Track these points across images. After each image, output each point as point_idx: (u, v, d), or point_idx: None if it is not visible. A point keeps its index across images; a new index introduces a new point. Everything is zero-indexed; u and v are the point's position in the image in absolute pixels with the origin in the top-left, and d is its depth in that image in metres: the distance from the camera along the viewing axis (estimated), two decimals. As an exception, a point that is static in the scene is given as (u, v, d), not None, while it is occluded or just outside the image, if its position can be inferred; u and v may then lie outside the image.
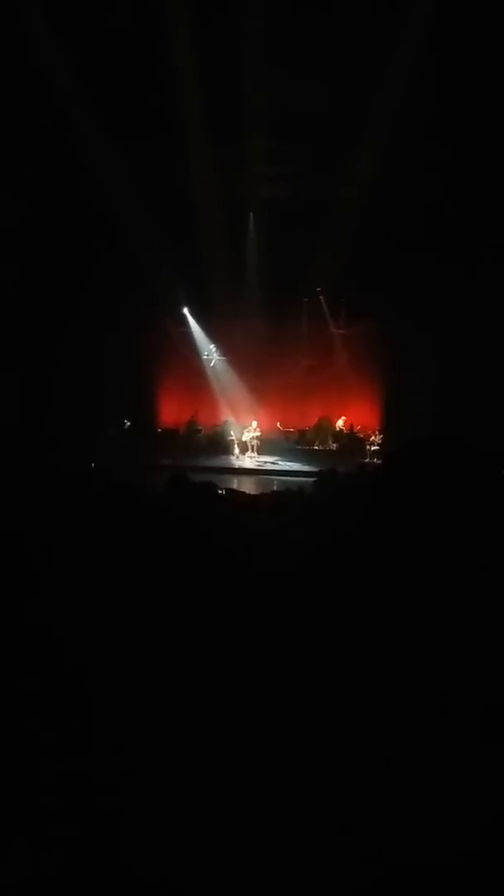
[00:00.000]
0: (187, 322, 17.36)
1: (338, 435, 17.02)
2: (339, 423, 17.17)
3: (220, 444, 16.68)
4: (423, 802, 1.40)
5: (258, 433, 16.31)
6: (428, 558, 2.12)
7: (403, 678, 1.69)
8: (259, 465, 15.39)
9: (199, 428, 17.22)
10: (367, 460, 15.00)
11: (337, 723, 1.59)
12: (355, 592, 2.16)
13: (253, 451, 16.16)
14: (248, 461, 15.77)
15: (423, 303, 14.64)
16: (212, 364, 17.50)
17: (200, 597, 2.19)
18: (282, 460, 15.89)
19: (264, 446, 16.42)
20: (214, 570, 2.37)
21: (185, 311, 17.25)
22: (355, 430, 16.83)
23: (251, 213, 16.09)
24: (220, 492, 5.48)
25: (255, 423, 16.37)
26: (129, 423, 16.33)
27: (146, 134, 13.06)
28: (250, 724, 1.60)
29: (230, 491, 5.67)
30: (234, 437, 16.35)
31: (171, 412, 17.66)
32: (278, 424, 17.22)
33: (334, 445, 16.90)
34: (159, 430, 17.20)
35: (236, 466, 15.29)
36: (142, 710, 1.62)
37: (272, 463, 15.68)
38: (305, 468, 14.36)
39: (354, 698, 1.67)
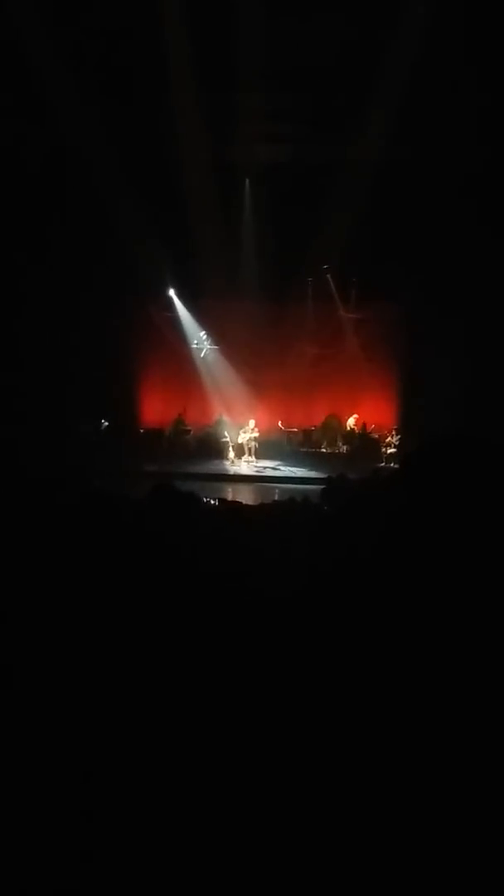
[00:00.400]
0: (173, 305, 17.37)
1: (349, 435, 17.04)
2: (351, 422, 17.20)
3: (212, 447, 16.69)
4: (425, 822, 1.59)
5: (256, 434, 16.32)
6: (456, 580, 2.10)
7: (428, 717, 1.80)
8: (257, 471, 15.39)
9: (188, 428, 17.22)
10: (382, 465, 15.04)
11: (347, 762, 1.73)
12: (370, 622, 2.14)
13: (250, 454, 16.17)
14: (245, 466, 15.77)
15: (449, 281, 14.63)
16: (202, 354, 17.50)
17: (188, 627, 2.19)
18: (284, 465, 15.90)
19: (263, 449, 16.43)
20: (205, 597, 2.36)
21: (171, 292, 17.26)
22: (369, 430, 16.86)
23: (247, 179, 16.09)
24: (211, 502, 5.47)
25: (252, 423, 16.38)
26: (105, 423, 16.30)
27: (124, 85, 13.03)
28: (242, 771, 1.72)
29: (223, 501, 5.65)
30: (228, 439, 16.35)
31: (154, 410, 17.66)
32: (280, 424, 17.24)
33: (345, 448, 16.91)
34: (141, 430, 17.20)
35: (231, 472, 15.30)
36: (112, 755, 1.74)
37: (272, 468, 15.68)
38: (311, 474, 14.35)
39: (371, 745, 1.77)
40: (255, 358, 17.01)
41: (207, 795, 1.68)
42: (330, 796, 1.67)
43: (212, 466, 15.66)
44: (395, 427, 16.42)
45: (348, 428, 17.17)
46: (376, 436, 16.61)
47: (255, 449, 16.26)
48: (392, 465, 14.82)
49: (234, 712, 1.89)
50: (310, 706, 1.91)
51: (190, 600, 2.36)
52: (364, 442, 16.59)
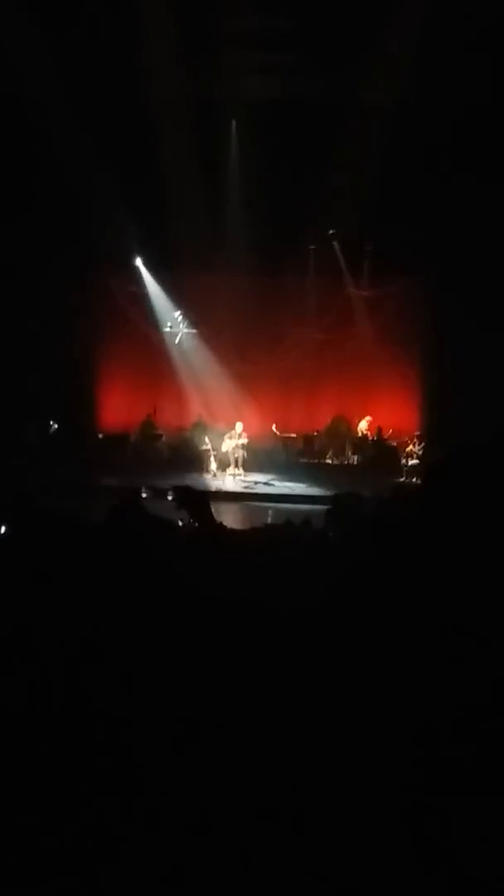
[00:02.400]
0: (141, 278, 17.39)
1: (360, 443, 17.08)
2: (363, 426, 17.24)
3: (189, 457, 16.67)
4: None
5: (245, 441, 16.31)
6: (491, 627, 2.11)
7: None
8: (246, 487, 15.38)
9: (159, 433, 17.21)
10: (402, 480, 15.05)
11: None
12: (389, 677, 2.16)
13: (237, 466, 16.16)
14: (231, 481, 15.76)
15: (484, 250, 14.71)
16: (177, 339, 17.51)
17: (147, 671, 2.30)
18: (279, 480, 15.90)
19: (253, 459, 16.43)
20: (175, 642, 2.39)
21: (138, 262, 17.27)
22: (385, 437, 16.90)
23: (233, 121, 16.15)
24: (192, 523, 5.47)
25: (240, 427, 16.37)
26: (55, 425, 16.25)
27: (83, 5, 13.08)
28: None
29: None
30: (209, 447, 16.33)
31: (117, 410, 17.65)
32: (274, 428, 17.25)
33: (355, 458, 16.93)
34: (100, 435, 17.18)
35: (213, 489, 15.26)
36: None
37: (265, 483, 15.68)
38: (313, 491, 14.35)
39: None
40: (244, 345, 17.05)
41: (206, 802, 1.99)
42: (329, 805, 1.97)
43: (189, 480, 15.59)
44: (417, 433, 16.47)
45: (360, 433, 17.21)
46: (395, 443, 16.65)
47: (244, 459, 16.25)
48: (414, 479, 14.83)
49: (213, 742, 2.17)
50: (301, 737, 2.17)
51: (158, 643, 2.44)
52: (379, 451, 16.63)
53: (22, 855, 1.86)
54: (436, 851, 1.88)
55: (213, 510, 4.58)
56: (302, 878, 1.84)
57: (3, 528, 4.18)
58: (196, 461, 16.43)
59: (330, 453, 17.22)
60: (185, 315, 17.45)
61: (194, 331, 17.50)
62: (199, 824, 1.95)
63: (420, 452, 15.85)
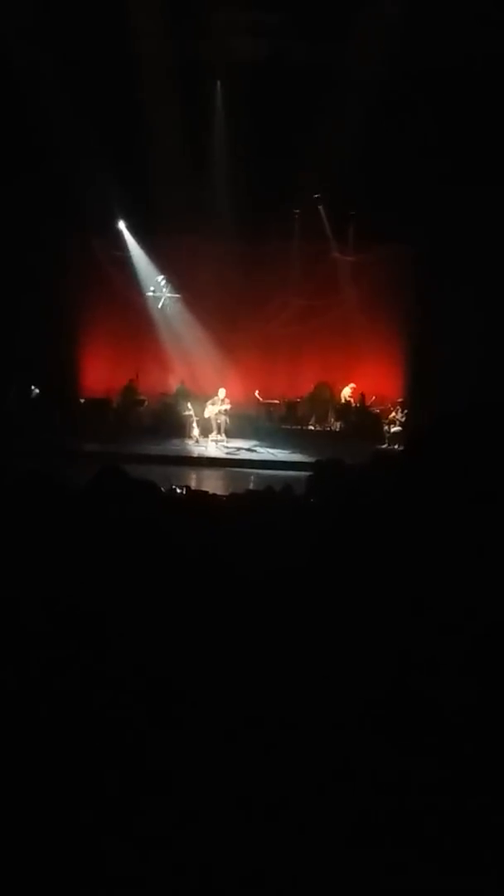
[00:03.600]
0: (123, 241, 17.22)
1: (343, 409, 17.10)
2: (346, 393, 17.24)
3: (171, 423, 16.66)
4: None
5: (227, 406, 16.29)
6: (472, 589, 2.12)
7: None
8: (228, 453, 15.39)
9: (142, 398, 17.15)
10: (385, 446, 15.09)
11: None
12: (368, 640, 2.17)
13: (219, 432, 16.15)
14: (213, 447, 15.76)
15: (470, 217, 14.65)
16: (160, 304, 17.39)
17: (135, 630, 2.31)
18: (261, 446, 15.93)
19: (236, 425, 16.43)
20: (157, 604, 2.39)
21: (121, 225, 17.09)
22: (368, 403, 16.92)
23: (218, 82, 15.95)
24: (176, 491, 5.49)
25: (222, 392, 16.35)
26: (36, 390, 16.15)
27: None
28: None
29: (188, 490, 5.66)
30: (191, 413, 16.31)
31: (99, 374, 17.55)
32: (257, 394, 17.24)
33: (338, 425, 16.97)
34: (82, 400, 17.10)
35: (195, 454, 15.27)
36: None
37: (247, 450, 15.70)
38: (296, 457, 14.39)
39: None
40: (227, 310, 16.94)
41: (204, 785, 1.97)
42: (327, 784, 1.96)
43: (171, 447, 15.62)
44: (400, 400, 16.51)
45: (343, 400, 17.22)
46: (377, 410, 16.69)
47: (226, 425, 16.24)
48: (397, 446, 14.88)
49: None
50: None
51: (139, 606, 2.45)
52: (362, 418, 16.66)
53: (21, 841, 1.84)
54: (416, 815, 1.88)
55: (195, 476, 4.59)
56: (292, 860, 1.82)
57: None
58: (178, 427, 16.40)
59: (313, 420, 17.24)
60: (169, 279, 17.31)
61: (177, 295, 17.37)
62: (191, 801, 1.93)
63: (403, 420, 15.89)
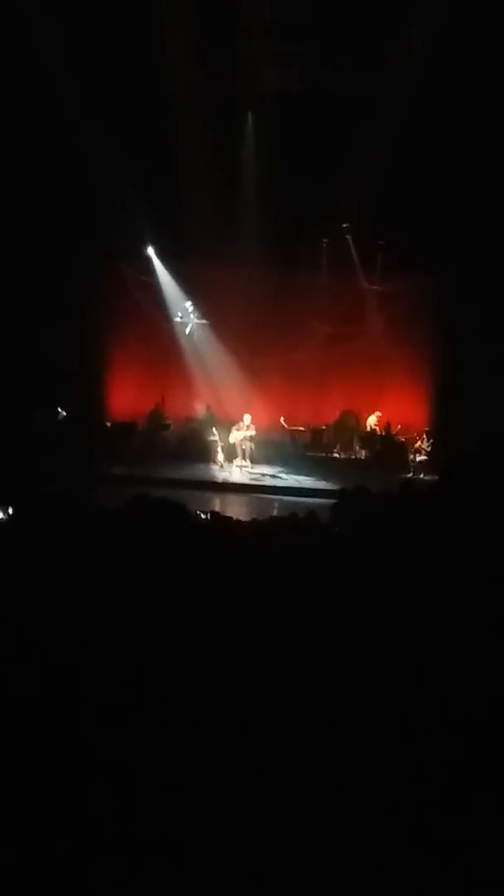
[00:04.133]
0: (153, 268, 17.36)
1: (368, 438, 17.04)
2: (372, 421, 17.20)
3: (196, 447, 16.69)
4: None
5: (252, 432, 16.30)
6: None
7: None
8: (253, 479, 15.38)
9: (167, 423, 17.21)
10: (410, 475, 15.01)
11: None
12: (392, 673, 2.13)
13: (244, 457, 16.14)
14: (238, 472, 15.75)
15: (495, 250, 14.66)
16: (187, 330, 17.48)
17: (161, 661, 2.29)
18: (286, 472, 15.89)
19: (261, 452, 16.43)
20: (177, 633, 2.38)
21: (151, 251, 17.23)
22: (394, 432, 16.86)
23: (249, 112, 16.11)
24: (201, 515, 5.46)
25: (248, 419, 16.35)
26: (62, 412, 16.25)
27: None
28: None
29: (213, 515, 5.63)
30: (217, 438, 16.33)
31: (126, 398, 17.64)
32: (282, 421, 17.23)
33: (363, 453, 16.90)
34: (108, 423, 17.17)
35: (220, 480, 15.27)
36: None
37: (272, 476, 15.68)
38: (320, 485, 14.32)
39: None
40: (254, 337, 17.00)
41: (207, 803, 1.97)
42: (329, 807, 1.97)
43: (196, 472, 15.63)
44: (426, 429, 16.43)
45: (368, 428, 17.17)
46: (403, 439, 16.61)
47: (251, 451, 16.23)
48: (422, 476, 14.80)
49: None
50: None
51: (172, 625, 2.46)
52: (387, 446, 16.60)
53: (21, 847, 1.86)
54: (436, 846, 1.88)
55: (219, 500, 4.60)
56: (299, 871, 1.83)
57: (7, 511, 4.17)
58: (203, 452, 16.43)
59: (338, 447, 17.20)
60: (196, 305, 17.41)
61: (205, 321, 17.47)
62: (201, 821, 1.93)
63: (428, 449, 15.81)
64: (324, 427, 17.51)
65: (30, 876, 1.80)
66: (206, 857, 1.85)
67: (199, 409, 17.48)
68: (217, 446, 16.19)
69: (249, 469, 15.91)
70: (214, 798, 1.98)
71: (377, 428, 17.08)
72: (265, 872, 1.83)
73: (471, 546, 2.25)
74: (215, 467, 15.97)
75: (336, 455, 17.02)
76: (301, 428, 17.39)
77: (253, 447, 16.25)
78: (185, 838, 1.90)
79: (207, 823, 1.92)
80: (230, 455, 16.16)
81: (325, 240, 17.04)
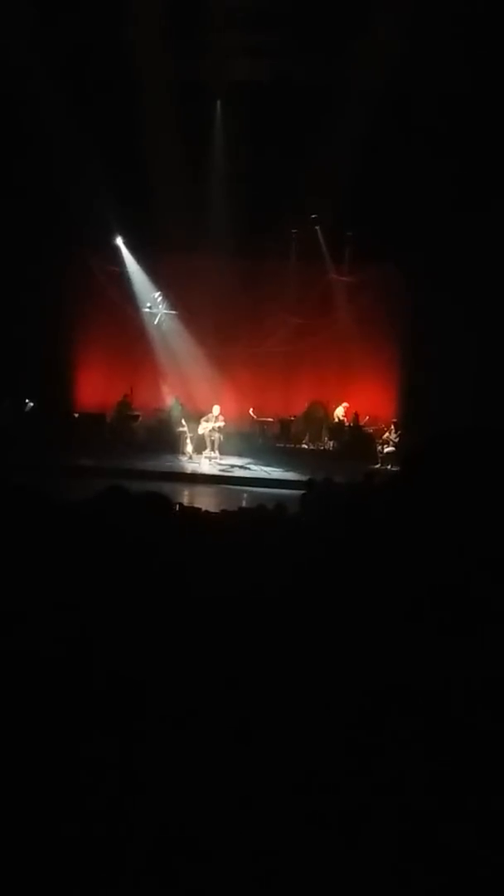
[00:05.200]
0: (120, 258, 17.27)
1: (336, 429, 17.11)
2: (339, 412, 17.26)
3: (164, 439, 16.64)
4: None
5: (221, 423, 16.27)
6: (469, 615, 2.09)
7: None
8: (221, 470, 15.35)
9: (136, 414, 17.14)
10: (377, 466, 15.07)
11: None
12: (358, 662, 2.14)
13: (213, 448, 16.12)
14: (206, 463, 15.73)
15: (466, 241, 14.73)
16: (156, 320, 17.41)
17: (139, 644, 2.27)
18: (255, 463, 15.89)
19: (229, 443, 16.41)
20: (152, 616, 2.38)
21: (119, 241, 17.14)
22: (361, 423, 16.94)
23: (218, 101, 16.05)
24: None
25: (216, 410, 16.32)
26: (31, 403, 16.13)
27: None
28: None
29: (182, 507, 5.64)
30: (185, 429, 16.29)
31: (93, 389, 17.55)
32: (251, 412, 17.24)
33: (331, 444, 16.96)
34: (76, 414, 17.08)
35: (188, 471, 15.23)
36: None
37: (241, 467, 15.66)
38: (289, 475, 14.36)
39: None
40: (223, 328, 16.98)
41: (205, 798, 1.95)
42: (327, 797, 1.94)
43: (164, 463, 15.58)
44: (394, 420, 16.49)
45: (336, 419, 17.22)
46: (370, 430, 16.69)
47: (220, 442, 16.21)
48: (389, 466, 14.87)
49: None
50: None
51: (126, 620, 2.43)
52: (355, 437, 16.67)
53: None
54: (435, 846, 1.87)
55: (187, 492, 4.58)
56: (295, 864, 1.83)
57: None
58: (172, 443, 16.39)
59: (306, 438, 17.25)
60: (165, 296, 17.35)
61: (173, 312, 17.41)
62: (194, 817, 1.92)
63: (396, 440, 15.88)
64: (292, 418, 17.56)
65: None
66: (206, 857, 1.84)
67: (168, 401, 17.43)
68: (186, 437, 16.15)
69: (218, 460, 15.89)
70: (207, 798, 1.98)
71: (345, 419, 17.14)
72: (265, 873, 1.83)
73: (432, 534, 2.28)
74: (184, 458, 15.93)
75: (304, 446, 17.08)
76: (270, 419, 17.41)
77: (222, 438, 16.23)
78: (184, 838, 1.88)
79: (206, 823, 1.91)
80: (199, 446, 16.13)
81: (293, 231, 17.03)
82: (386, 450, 15.80)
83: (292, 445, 17.01)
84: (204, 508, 6.04)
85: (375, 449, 15.99)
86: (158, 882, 1.81)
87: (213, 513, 5.41)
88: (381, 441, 16.13)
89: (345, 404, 17.24)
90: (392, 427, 16.23)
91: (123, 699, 2.19)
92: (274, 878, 1.80)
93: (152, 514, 3.52)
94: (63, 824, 1.89)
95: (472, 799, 1.93)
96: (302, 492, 5.31)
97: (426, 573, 2.22)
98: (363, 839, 1.86)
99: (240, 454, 16.34)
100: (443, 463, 2.42)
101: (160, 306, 17.37)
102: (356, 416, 17.02)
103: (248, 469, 15.50)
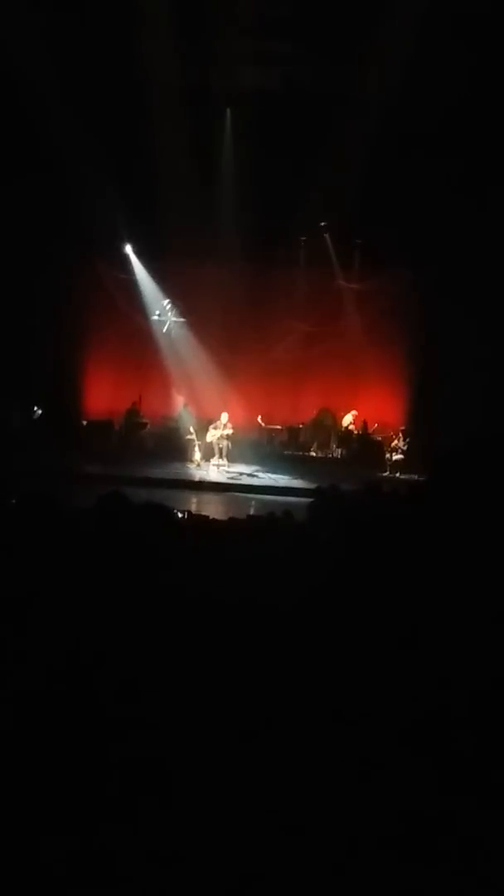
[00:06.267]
0: (130, 266, 17.29)
1: (345, 436, 17.07)
2: (348, 420, 17.23)
3: (173, 446, 16.63)
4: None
5: (230, 431, 16.28)
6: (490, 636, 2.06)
7: None
8: (230, 478, 15.35)
9: (144, 421, 17.14)
10: (386, 474, 15.04)
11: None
12: (368, 672, 2.12)
13: (221, 456, 16.12)
14: (214, 471, 15.72)
15: (475, 247, 14.70)
16: (165, 328, 17.43)
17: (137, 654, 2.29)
18: (263, 471, 15.88)
19: (238, 450, 16.40)
20: (160, 626, 2.36)
21: (128, 249, 17.17)
22: (370, 431, 16.90)
23: (227, 110, 16.08)
24: (178, 514, 5.44)
25: (225, 417, 16.34)
26: (39, 410, 16.14)
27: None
28: None
29: (190, 514, 5.63)
30: (193, 436, 16.30)
31: (102, 396, 17.56)
32: (259, 419, 17.23)
33: (340, 452, 16.92)
34: (84, 421, 17.09)
35: (196, 478, 15.23)
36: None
37: (249, 475, 15.66)
38: (297, 483, 14.33)
39: None
40: (232, 335, 16.97)
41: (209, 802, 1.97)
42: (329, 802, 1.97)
43: (172, 470, 15.57)
44: (402, 428, 16.47)
45: (345, 427, 17.20)
46: (379, 438, 16.65)
47: (228, 450, 16.21)
48: (398, 475, 14.84)
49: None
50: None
51: (135, 630, 2.44)
52: (364, 445, 16.64)
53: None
54: (434, 849, 1.89)
55: (195, 499, 4.58)
56: (300, 875, 1.83)
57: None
58: (180, 450, 16.39)
59: (314, 446, 17.23)
60: (174, 304, 17.38)
61: (182, 320, 17.43)
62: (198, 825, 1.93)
63: (405, 448, 15.86)
64: (300, 426, 17.54)
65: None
66: (206, 857, 1.84)
67: (176, 408, 17.42)
68: (194, 445, 16.18)
69: (226, 468, 15.89)
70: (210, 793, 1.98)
71: (354, 427, 17.12)
72: (265, 870, 1.82)
73: (442, 546, 2.24)
74: (192, 466, 15.94)
75: (313, 454, 17.05)
76: (278, 426, 17.41)
77: (230, 446, 16.24)
78: (183, 838, 1.88)
79: (205, 823, 1.90)
80: (207, 454, 16.14)
81: (302, 238, 17.05)
82: (395, 458, 15.78)
83: (300, 453, 16.98)
84: (212, 516, 6.01)
85: (384, 457, 15.97)
86: (159, 882, 1.79)
87: (221, 520, 5.38)
88: (389, 449, 16.11)
89: (353, 412, 17.23)
90: (401, 435, 16.21)
91: (128, 708, 2.17)
92: (274, 877, 1.79)
93: (151, 522, 3.51)
94: (64, 827, 1.88)
95: (472, 799, 1.91)
96: (310, 500, 5.27)
97: (434, 588, 2.19)
98: (363, 840, 1.85)
99: (248, 462, 16.33)
100: (465, 473, 2.39)
101: (169, 314, 17.40)
102: (365, 423, 16.99)
103: (256, 477, 15.50)
